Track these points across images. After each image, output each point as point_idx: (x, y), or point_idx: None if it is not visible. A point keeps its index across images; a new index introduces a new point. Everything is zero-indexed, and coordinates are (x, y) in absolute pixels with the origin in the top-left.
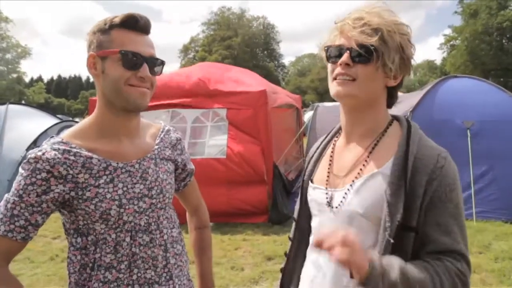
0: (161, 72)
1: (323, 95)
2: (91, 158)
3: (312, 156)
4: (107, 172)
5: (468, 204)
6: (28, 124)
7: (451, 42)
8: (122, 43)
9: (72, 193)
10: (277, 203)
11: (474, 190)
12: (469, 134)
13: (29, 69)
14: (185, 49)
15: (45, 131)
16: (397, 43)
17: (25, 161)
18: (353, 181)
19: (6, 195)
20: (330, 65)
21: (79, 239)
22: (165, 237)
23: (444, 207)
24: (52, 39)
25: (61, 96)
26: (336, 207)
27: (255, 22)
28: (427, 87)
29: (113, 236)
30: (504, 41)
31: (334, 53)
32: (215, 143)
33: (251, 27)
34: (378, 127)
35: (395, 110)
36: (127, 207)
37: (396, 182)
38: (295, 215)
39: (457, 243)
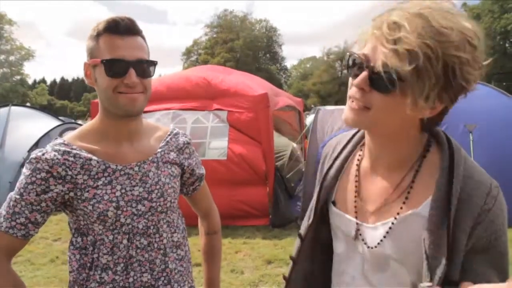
0: (153, 73)
1: (326, 99)
2: (90, 159)
3: (330, 168)
4: (106, 174)
5: None
6: (30, 126)
7: None
8: (107, 50)
9: (71, 194)
10: (278, 205)
11: None
12: (471, 137)
13: (33, 71)
14: (188, 52)
15: (47, 133)
16: (439, 70)
17: (27, 161)
18: (392, 220)
19: (10, 193)
20: (350, 79)
21: (79, 239)
22: (165, 241)
23: (485, 255)
24: (56, 41)
25: (64, 98)
26: (374, 247)
27: (258, 25)
28: None
29: (110, 237)
30: (507, 45)
31: (352, 65)
32: (216, 145)
33: (254, 30)
34: (411, 156)
35: None
36: (124, 209)
37: (436, 230)
38: (302, 231)
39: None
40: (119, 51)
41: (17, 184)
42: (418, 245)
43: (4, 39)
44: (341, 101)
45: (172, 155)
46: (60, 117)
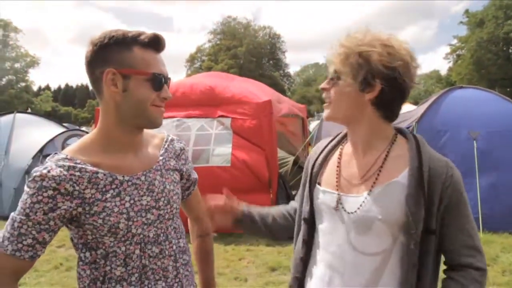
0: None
1: None
2: (97, 173)
3: (317, 159)
4: (114, 186)
5: (475, 215)
6: (34, 133)
7: (457, 52)
8: (148, 63)
9: (80, 209)
10: None
11: (481, 201)
12: (475, 145)
13: (38, 78)
14: (192, 59)
15: (51, 140)
16: (356, 61)
17: (30, 179)
18: (370, 189)
19: (12, 214)
20: None
21: (87, 254)
22: (174, 247)
23: (459, 209)
24: (62, 48)
25: (68, 105)
26: (353, 212)
27: (261, 32)
28: (432, 98)
29: (123, 249)
30: (510, 50)
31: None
32: (220, 151)
33: (257, 37)
34: (382, 138)
35: (402, 121)
36: (135, 219)
37: (415, 192)
38: (306, 216)
39: (473, 240)
40: (160, 66)
41: (21, 204)
42: (398, 205)
43: (10, 46)
44: None
45: (172, 162)
46: (64, 124)
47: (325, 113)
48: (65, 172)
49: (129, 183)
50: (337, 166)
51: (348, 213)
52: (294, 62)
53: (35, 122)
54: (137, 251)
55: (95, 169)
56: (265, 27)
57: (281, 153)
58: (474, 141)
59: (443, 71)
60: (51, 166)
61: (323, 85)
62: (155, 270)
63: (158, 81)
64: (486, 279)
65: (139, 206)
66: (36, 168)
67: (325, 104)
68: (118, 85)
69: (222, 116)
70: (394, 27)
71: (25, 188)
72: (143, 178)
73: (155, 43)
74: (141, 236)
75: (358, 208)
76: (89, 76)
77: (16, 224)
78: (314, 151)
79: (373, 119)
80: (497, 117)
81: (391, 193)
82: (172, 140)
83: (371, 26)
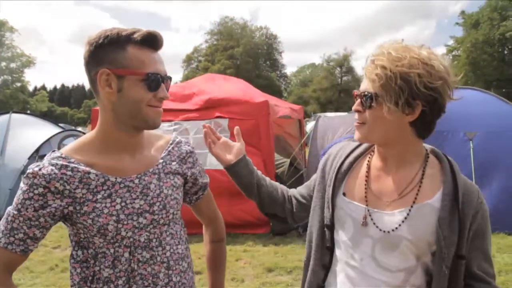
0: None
1: (325, 105)
2: (89, 173)
3: (341, 165)
4: (105, 187)
5: None
6: (30, 133)
7: (453, 53)
8: (143, 62)
9: (71, 208)
10: None
11: None
12: (471, 145)
13: (33, 78)
14: (188, 59)
15: (47, 140)
16: (400, 83)
17: (24, 175)
18: (410, 208)
19: (8, 208)
20: None
21: (79, 252)
22: (168, 254)
23: (485, 237)
24: (58, 48)
25: (64, 105)
26: (389, 231)
27: (258, 33)
28: None
29: (112, 250)
30: (506, 51)
31: (356, 99)
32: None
33: (254, 37)
34: (414, 158)
35: None
36: (125, 222)
37: (449, 216)
38: (328, 222)
39: (492, 267)
40: (156, 65)
41: (15, 199)
42: (429, 228)
43: (5, 46)
44: (341, 107)
45: (174, 165)
46: (60, 124)
47: (358, 134)
48: (56, 171)
49: (121, 185)
50: (366, 179)
51: (381, 230)
52: (291, 62)
53: (30, 122)
54: (126, 255)
55: (87, 169)
56: (261, 28)
57: (276, 157)
58: (471, 142)
59: None
60: (44, 164)
61: (357, 107)
62: (144, 276)
63: (153, 81)
64: None
65: (131, 209)
66: (31, 165)
67: (356, 124)
68: (113, 85)
69: (219, 117)
70: (392, 26)
71: (21, 184)
72: (137, 181)
73: (151, 41)
74: (131, 239)
75: (397, 228)
76: (87, 77)
77: (9, 218)
78: (335, 154)
79: (410, 139)
80: (494, 117)
81: (423, 214)
82: (179, 142)
83: (370, 26)
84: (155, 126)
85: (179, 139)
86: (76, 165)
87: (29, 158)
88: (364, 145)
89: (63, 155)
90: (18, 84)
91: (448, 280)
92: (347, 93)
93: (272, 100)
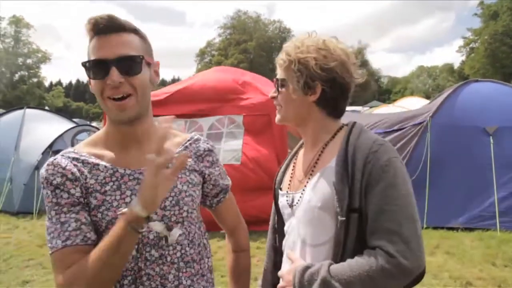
0: (136, 70)
1: None
2: (98, 164)
3: (281, 167)
4: (114, 179)
5: (492, 213)
6: (44, 128)
7: (471, 45)
8: (91, 52)
9: (86, 200)
10: None
11: (498, 199)
12: (491, 140)
13: (50, 74)
14: (201, 53)
15: (61, 135)
16: (297, 68)
17: (41, 174)
18: (307, 180)
19: (46, 222)
20: None
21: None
22: (178, 254)
23: (380, 188)
24: (74, 43)
25: (80, 100)
26: (294, 205)
27: (271, 26)
28: (447, 92)
29: None
30: None
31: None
32: (230, 148)
33: (267, 31)
34: (326, 134)
35: (416, 116)
36: None
37: (340, 170)
38: (275, 224)
39: (398, 226)
40: (100, 52)
41: (46, 201)
42: (331, 189)
43: (22, 42)
44: (356, 101)
45: (190, 161)
46: (74, 119)
47: (277, 117)
48: (69, 162)
49: (131, 177)
50: (292, 168)
51: (295, 206)
52: None
53: (44, 117)
54: (133, 252)
55: (97, 161)
56: (275, 21)
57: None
58: (491, 137)
59: (457, 65)
60: (57, 157)
61: (271, 94)
62: (151, 276)
63: (91, 68)
64: (399, 272)
65: None
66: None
67: (277, 110)
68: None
69: (233, 113)
70: (408, 19)
71: (42, 189)
72: None
73: (96, 28)
74: (140, 236)
75: (298, 201)
76: None
77: (54, 220)
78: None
79: (319, 118)
80: None
81: (324, 179)
82: (197, 140)
83: (386, 19)
84: (120, 121)
85: (198, 137)
86: (86, 158)
87: (42, 154)
88: (299, 144)
89: (75, 150)
90: (35, 80)
91: (344, 237)
92: (362, 87)
93: None
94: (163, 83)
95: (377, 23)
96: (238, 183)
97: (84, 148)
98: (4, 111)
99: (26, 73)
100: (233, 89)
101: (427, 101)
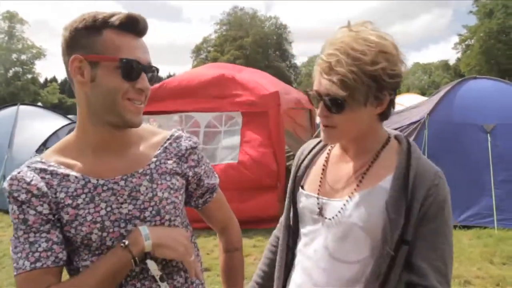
0: (154, 81)
1: None
2: (68, 175)
3: (303, 161)
4: (86, 190)
5: (489, 211)
6: (38, 125)
7: (466, 42)
8: (119, 48)
9: (56, 216)
10: None
11: (495, 197)
12: (489, 138)
13: (44, 70)
14: (197, 50)
15: (55, 132)
16: (368, 82)
17: (5, 185)
18: (352, 193)
19: (11, 238)
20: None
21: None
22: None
23: (436, 224)
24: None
25: (75, 97)
26: (332, 218)
27: (267, 22)
28: (445, 89)
29: None
30: None
31: (313, 99)
32: (228, 146)
33: (264, 27)
34: (375, 144)
35: (414, 114)
36: (110, 230)
37: (397, 197)
38: (289, 220)
39: (445, 267)
40: (136, 52)
41: (12, 217)
42: (380, 212)
43: (16, 38)
44: None
45: (171, 164)
46: (69, 116)
47: (327, 138)
48: (36, 174)
49: (104, 187)
50: (322, 169)
51: (328, 218)
52: (302, 52)
53: (38, 114)
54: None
55: (67, 171)
56: (271, 18)
57: (287, 149)
58: (488, 135)
59: (453, 62)
60: (23, 169)
61: (323, 112)
62: None
63: (130, 68)
64: None
65: (118, 215)
66: (12, 173)
67: (323, 128)
68: (85, 74)
69: (230, 110)
70: (406, 15)
71: (8, 203)
72: (122, 182)
73: (131, 26)
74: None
75: (337, 214)
76: (64, 67)
77: (21, 239)
78: (301, 152)
79: (375, 127)
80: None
81: (373, 199)
82: (178, 137)
83: (383, 15)
84: (133, 124)
85: (179, 134)
86: (54, 168)
87: (36, 151)
88: (323, 143)
89: (42, 160)
90: (29, 76)
91: (388, 266)
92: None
93: (282, 86)
94: (159, 80)
95: (374, 19)
96: (235, 181)
97: (53, 156)
98: None
99: (21, 69)
100: (229, 85)
101: (424, 98)
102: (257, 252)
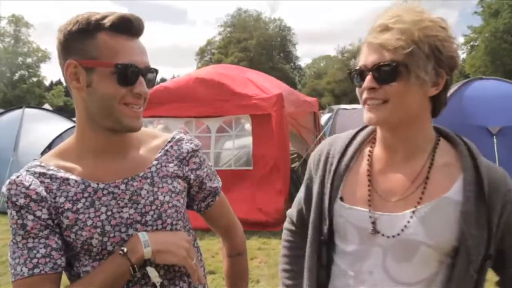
0: (154, 83)
1: (340, 97)
2: (68, 179)
3: (336, 167)
4: (86, 195)
5: None
6: (43, 128)
7: (471, 43)
8: (114, 52)
9: (56, 221)
10: None
11: None
12: (495, 140)
13: (50, 73)
14: (201, 52)
15: (60, 135)
16: (427, 49)
17: (4, 189)
18: (415, 207)
19: (9, 242)
20: (357, 89)
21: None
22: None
23: None
24: None
25: None
26: (393, 236)
27: (271, 24)
28: (451, 90)
29: None
30: None
31: (357, 78)
32: (239, 149)
33: (268, 29)
34: (425, 144)
35: None
36: (111, 235)
37: (474, 209)
38: (326, 237)
39: None
40: (132, 55)
41: (11, 223)
42: (450, 227)
43: (21, 41)
44: (356, 100)
45: (172, 167)
46: (74, 118)
47: (376, 116)
48: (35, 178)
49: (105, 191)
50: (368, 178)
51: (387, 236)
52: (305, 54)
53: (44, 117)
54: None
55: (66, 175)
56: (275, 19)
57: (292, 151)
58: (494, 137)
59: None
60: (22, 173)
61: (370, 84)
62: None
63: (126, 73)
64: None
65: (118, 219)
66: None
67: (369, 105)
68: (81, 79)
69: (238, 113)
70: None
71: (6, 207)
72: (123, 186)
73: (125, 27)
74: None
75: (399, 233)
76: (61, 71)
77: (20, 245)
78: (327, 153)
79: (426, 118)
80: None
81: (442, 213)
82: (179, 140)
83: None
84: (132, 129)
85: (180, 136)
86: (54, 172)
87: (42, 154)
88: (362, 135)
89: (42, 164)
90: (35, 79)
91: (475, 284)
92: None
93: (286, 89)
94: (163, 82)
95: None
96: (240, 184)
97: (52, 159)
98: (3, 110)
99: (26, 73)
100: (235, 88)
101: None
102: (262, 255)
